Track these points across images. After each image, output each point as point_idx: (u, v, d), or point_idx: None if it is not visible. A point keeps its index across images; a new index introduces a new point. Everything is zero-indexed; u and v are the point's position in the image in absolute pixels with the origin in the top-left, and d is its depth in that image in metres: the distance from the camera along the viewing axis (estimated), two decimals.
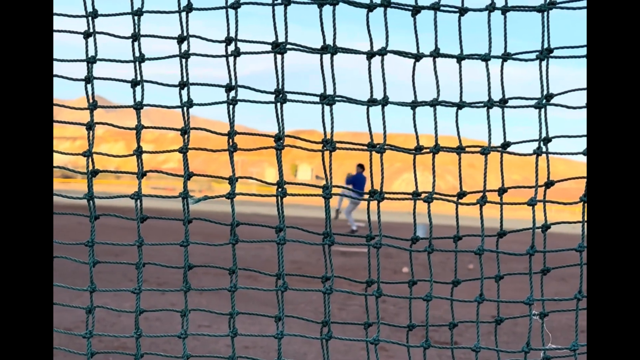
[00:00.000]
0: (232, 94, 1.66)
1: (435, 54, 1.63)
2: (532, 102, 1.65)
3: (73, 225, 14.14)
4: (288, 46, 1.62)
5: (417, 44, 1.63)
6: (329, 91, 1.64)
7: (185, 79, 1.68)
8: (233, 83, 1.66)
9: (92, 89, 1.71)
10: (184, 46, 1.67)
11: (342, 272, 9.44)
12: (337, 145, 1.65)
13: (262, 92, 1.67)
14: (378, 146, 1.64)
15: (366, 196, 1.68)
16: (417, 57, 1.63)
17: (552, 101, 1.64)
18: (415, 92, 1.66)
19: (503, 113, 1.67)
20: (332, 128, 1.64)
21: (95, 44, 1.71)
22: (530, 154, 1.65)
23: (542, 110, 1.64)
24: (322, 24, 1.60)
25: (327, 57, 1.62)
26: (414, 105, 1.66)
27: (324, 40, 1.61)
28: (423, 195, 1.67)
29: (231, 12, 1.65)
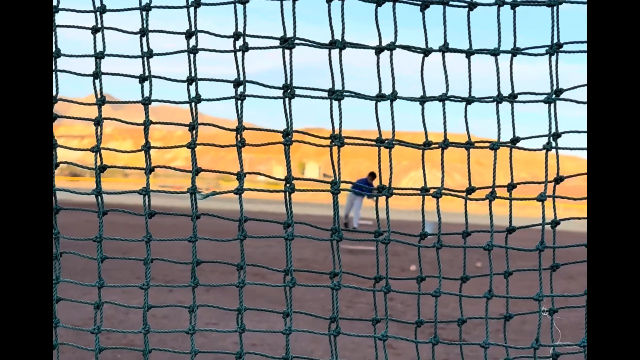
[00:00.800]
0: (240, 89, 1.66)
1: (445, 48, 1.62)
2: (542, 97, 1.64)
3: (81, 222, 14.17)
4: (296, 41, 1.62)
5: (426, 39, 1.63)
6: (337, 86, 1.63)
7: (193, 75, 1.68)
8: (241, 78, 1.66)
9: (100, 84, 1.72)
10: (192, 41, 1.67)
11: (350, 270, 9.44)
12: (346, 140, 1.64)
13: (270, 87, 1.66)
14: (387, 141, 1.64)
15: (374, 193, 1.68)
16: (426, 52, 1.62)
17: (562, 96, 1.63)
18: (424, 87, 1.65)
19: (512, 108, 1.67)
20: (340, 123, 1.64)
21: (103, 39, 1.71)
22: (539, 149, 1.64)
23: (552, 105, 1.63)
24: (330, 19, 1.59)
25: (335, 53, 1.62)
26: (423, 100, 1.65)
27: (332, 35, 1.61)
28: (432, 191, 1.67)
29: (239, 7, 1.65)
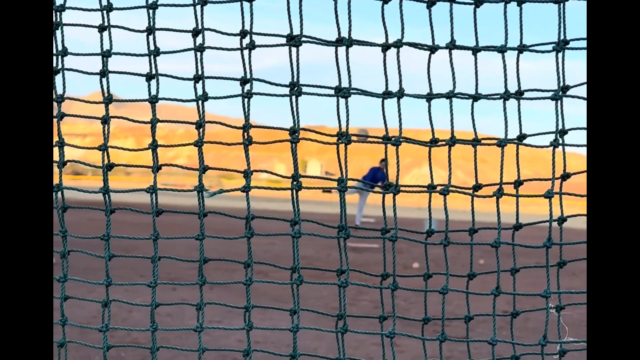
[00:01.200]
0: (247, 87, 1.66)
1: (451, 45, 1.62)
2: (548, 94, 1.64)
3: (84, 221, 14.19)
4: (303, 39, 1.62)
5: (433, 36, 1.63)
6: (344, 84, 1.63)
7: (200, 73, 1.68)
8: (248, 76, 1.66)
9: (107, 82, 1.72)
10: (199, 39, 1.67)
11: (354, 267, 9.42)
12: (353, 138, 1.64)
13: (277, 85, 1.66)
14: (394, 139, 1.64)
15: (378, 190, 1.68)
16: (433, 49, 1.62)
17: (569, 93, 1.63)
18: (430, 85, 1.66)
19: (519, 105, 1.67)
20: (347, 121, 1.64)
21: (110, 37, 1.72)
22: (546, 146, 1.64)
23: (559, 102, 1.63)
24: (337, 16, 1.59)
25: (342, 50, 1.62)
26: (430, 97, 1.65)
27: (339, 33, 1.61)
28: (439, 188, 1.67)
29: (246, 4, 1.65)
